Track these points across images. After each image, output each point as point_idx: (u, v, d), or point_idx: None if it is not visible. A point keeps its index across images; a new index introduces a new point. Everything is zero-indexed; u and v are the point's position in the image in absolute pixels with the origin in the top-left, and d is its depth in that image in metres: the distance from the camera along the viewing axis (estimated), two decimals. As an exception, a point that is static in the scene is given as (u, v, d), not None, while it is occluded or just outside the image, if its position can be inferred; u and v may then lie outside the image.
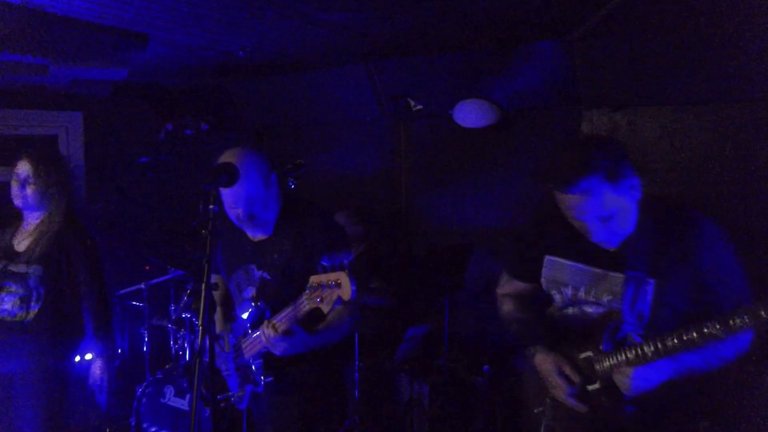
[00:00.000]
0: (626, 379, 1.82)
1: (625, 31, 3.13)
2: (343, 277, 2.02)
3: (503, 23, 2.96)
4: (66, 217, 2.86)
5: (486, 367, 2.45)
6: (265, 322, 2.25)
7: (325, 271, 2.06)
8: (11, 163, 2.87)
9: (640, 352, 1.81)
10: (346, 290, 2.01)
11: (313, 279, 2.08)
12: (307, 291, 2.09)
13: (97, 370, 2.95)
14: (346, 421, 3.81)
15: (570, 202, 1.82)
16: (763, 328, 1.60)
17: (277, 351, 2.21)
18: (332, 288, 2.03)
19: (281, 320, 2.21)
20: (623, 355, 1.86)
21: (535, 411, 2.14)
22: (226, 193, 2.26)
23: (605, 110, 3.66)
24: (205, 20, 2.74)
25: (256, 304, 2.38)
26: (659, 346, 1.77)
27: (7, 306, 2.80)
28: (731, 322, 1.63)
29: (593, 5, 2.65)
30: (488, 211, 4.30)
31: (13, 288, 2.80)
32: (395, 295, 4.08)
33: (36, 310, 2.80)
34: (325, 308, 2.06)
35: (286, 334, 2.20)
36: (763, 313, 1.54)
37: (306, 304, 2.11)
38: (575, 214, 1.84)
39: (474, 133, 4.11)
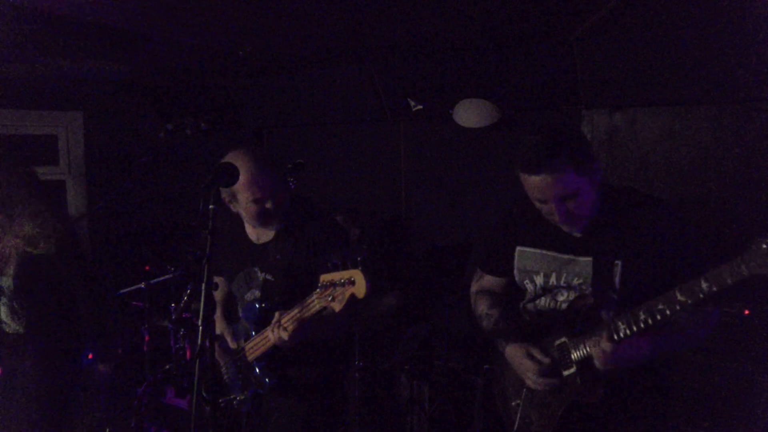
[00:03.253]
0: (602, 353, 1.85)
1: (625, 31, 3.13)
2: (357, 275, 1.94)
3: (503, 23, 2.96)
4: (37, 223, 2.68)
5: (486, 367, 2.46)
6: (273, 324, 2.22)
7: (337, 268, 1.99)
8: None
9: (613, 328, 1.85)
10: (361, 287, 1.93)
11: (324, 278, 2.02)
12: (318, 290, 2.04)
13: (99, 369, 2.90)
14: (346, 421, 3.81)
15: (536, 183, 1.88)
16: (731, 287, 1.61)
17: (285, 348, 2.22)
18: (345, 286, 1.96)
19: (288, 321, 2.19)
20: (596, 334, 1.90)
21: (513, 404, 2.18)
22: (257, 188, 2.24)
23: (605, 110, 3.66)
24: (205, 20, 2.74)
25: (260, 306, 2.37)
26: (631, 320, 1.81)
27: (3, 316, 2.78)
28: (695, 287, 1.66)
29: (593, 5, 2.65)
30: (488, 211, 4.30)
31: (3, 299, 2.77)
32: (403, 296, 4.07)
33: (23, 325, 2.75)
34: (337, 307, 1.99)
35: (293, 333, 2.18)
36: (744, 267, 1.54)
37: (317, 303, 2.07)
38: (541, 196, 1.91)
39: (474, 133, 4.11)
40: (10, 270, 2.70)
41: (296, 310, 2.16)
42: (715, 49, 2.97)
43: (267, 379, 2.35)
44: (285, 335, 2.17)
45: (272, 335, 2.22)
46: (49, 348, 2.78)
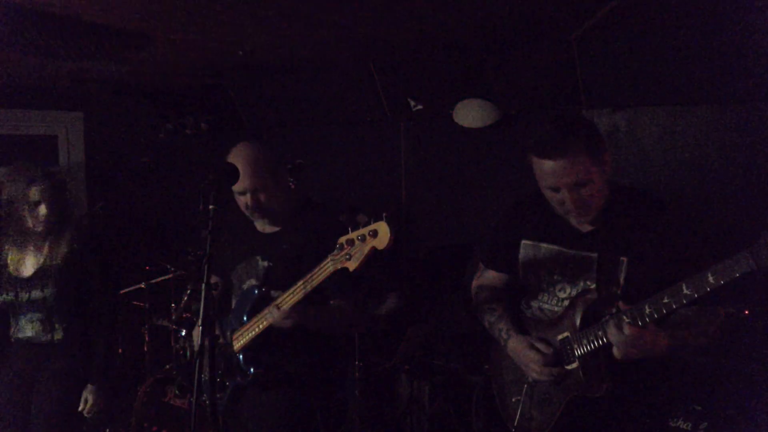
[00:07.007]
0: (624, 339, 1.79)
1: (625, 31, 3.13)
2: (381, 225, 1.80)
3: (503, 23, 2.96)
4: (75, 232, 2.78)
5: (486, 366, 2.48)
6: (273, 304, 2.16)
7: (357, 228, 1.86)
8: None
9: (617, 323, 1.83)
10: (383, 239, 1.79)
11: (342, 239, 1.90)
12: (334, 251, 1.93)
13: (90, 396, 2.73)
14: (346, 421, 3.81)
15: (550, 168, 1.87)
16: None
17: (285, 325, 2.14)
18: (366, 240, 1.82)
19: (290, 294, 2.13)
20: (600, 330, 1.89)
21: (513, 400, 2.17)
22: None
23: (605, 110, 3.66)
24: (205, 20, 2.75)
25: (258, 290, 2.32)
26: (635, 314, 1.80)
27: (29, 333, 2.76)
28: (702, 281, 1.66)
29: (593, 5, 2.65)
30: (488, 211, 4.30)
31: (30, 315, 2.75)
32: (403, 297, 4.06)
33: (61, 331, 2.74)
34: (353, 265, 1.87)
35: (294, 307, 2.10)
36: (752, 260, 1.54)
37: (330, 265, 1.95)
38: (555, 182, 1.89)
39: (474, 133, 4.11)
40: (52, 280, 2.72)
41: (301, 282, 2.07)
42: (715, 49, 2.97)
43: (252, 368, 2.24)
44: (286, 307, 2.09)
45: (269, 312, 2.13)
46: (83, 348, 2.79)
